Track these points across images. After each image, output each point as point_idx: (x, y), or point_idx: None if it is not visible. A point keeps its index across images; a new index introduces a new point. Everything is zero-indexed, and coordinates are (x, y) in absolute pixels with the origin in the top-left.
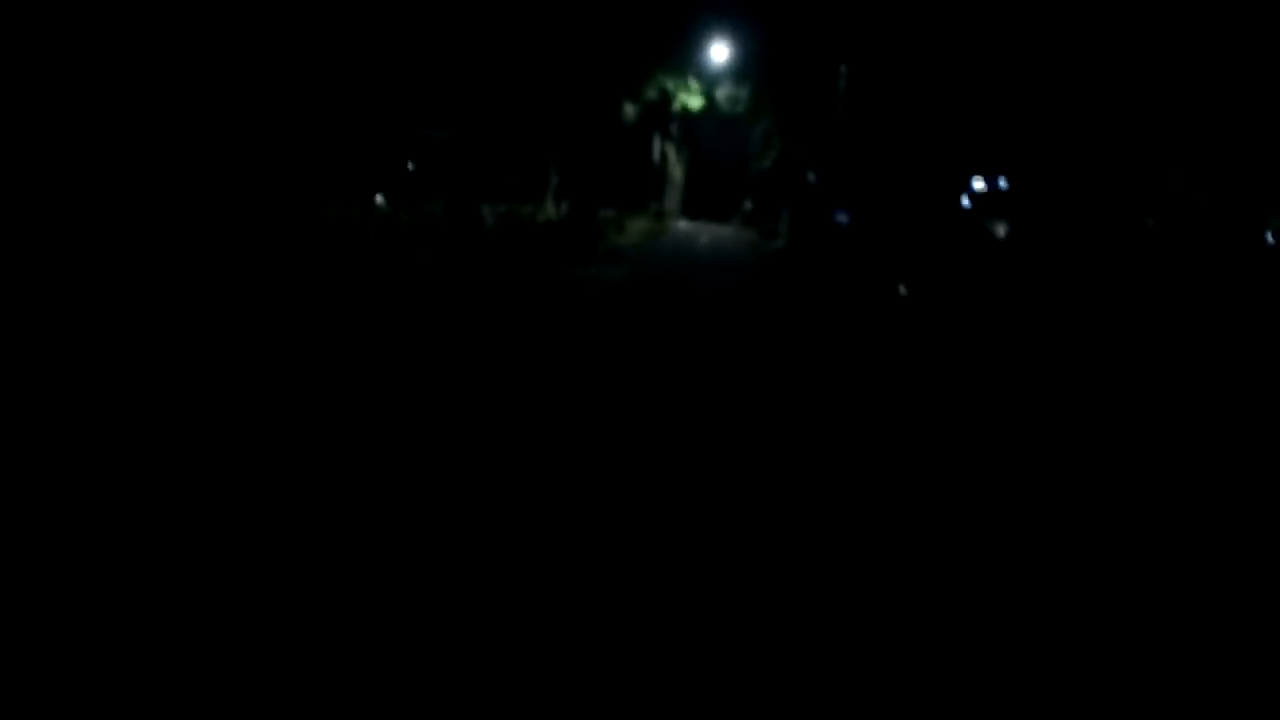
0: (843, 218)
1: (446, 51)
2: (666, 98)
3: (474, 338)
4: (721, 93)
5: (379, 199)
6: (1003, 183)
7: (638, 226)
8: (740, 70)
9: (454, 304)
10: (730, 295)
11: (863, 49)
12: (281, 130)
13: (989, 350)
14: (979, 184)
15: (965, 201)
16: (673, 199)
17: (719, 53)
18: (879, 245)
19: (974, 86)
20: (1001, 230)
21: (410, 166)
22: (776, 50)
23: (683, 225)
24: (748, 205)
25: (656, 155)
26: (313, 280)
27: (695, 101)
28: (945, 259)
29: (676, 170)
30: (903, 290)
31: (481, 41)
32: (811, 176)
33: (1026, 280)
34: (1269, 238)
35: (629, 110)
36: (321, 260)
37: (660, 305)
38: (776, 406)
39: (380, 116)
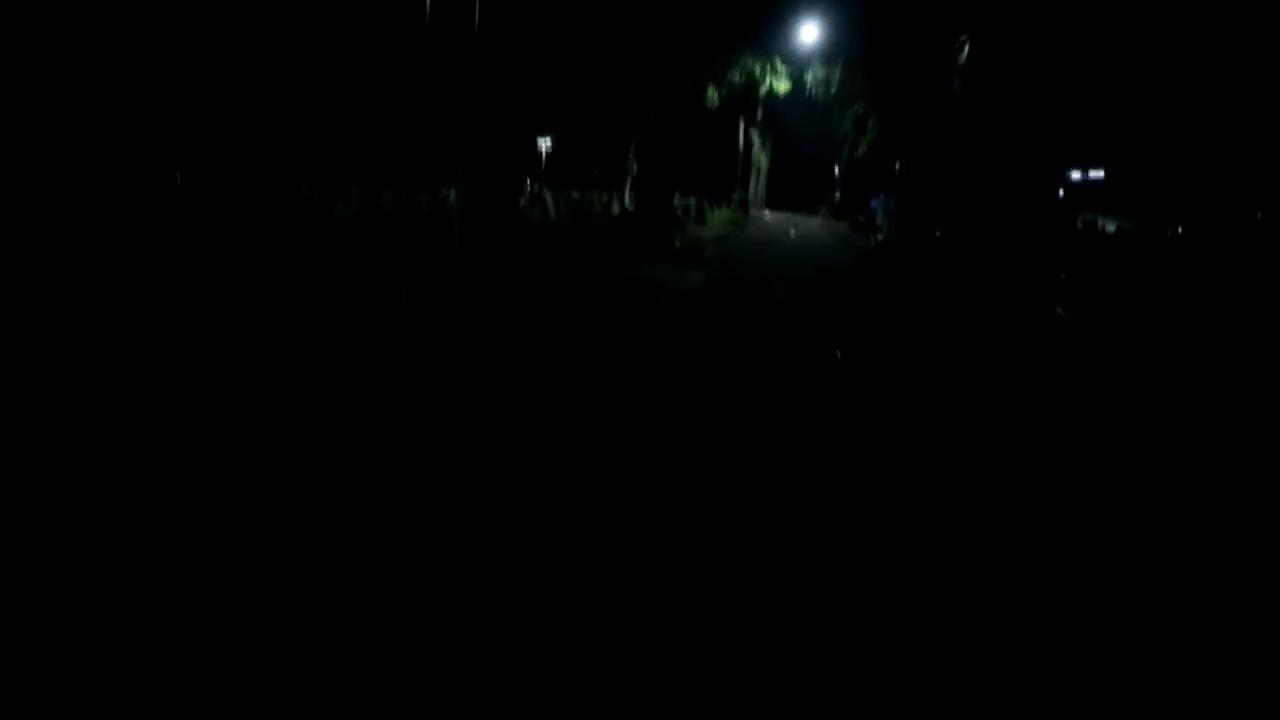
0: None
1: (526, 34)
2: (752, 82)
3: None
4: (810, 76)
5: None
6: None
7: (720, 217)
8: (832, 51)
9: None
10: (836, 321)
11: (993, 16)
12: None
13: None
14: (1074, 175)
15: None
16: (757, 188)
17: (809, 33)
18: (1017, 251)
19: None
20: (1113, 227)
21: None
22: (877, 26)
23: (768, 216)
24: (837, 196)
25: (741, 142)
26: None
27: (782, 85)
28: (1106, 269)
29: (762, 158)
30: (1061, 311)
31: (557, 21)
32: (898, 165)
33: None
34: None
35: (712, 94)
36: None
37: (740, 342)
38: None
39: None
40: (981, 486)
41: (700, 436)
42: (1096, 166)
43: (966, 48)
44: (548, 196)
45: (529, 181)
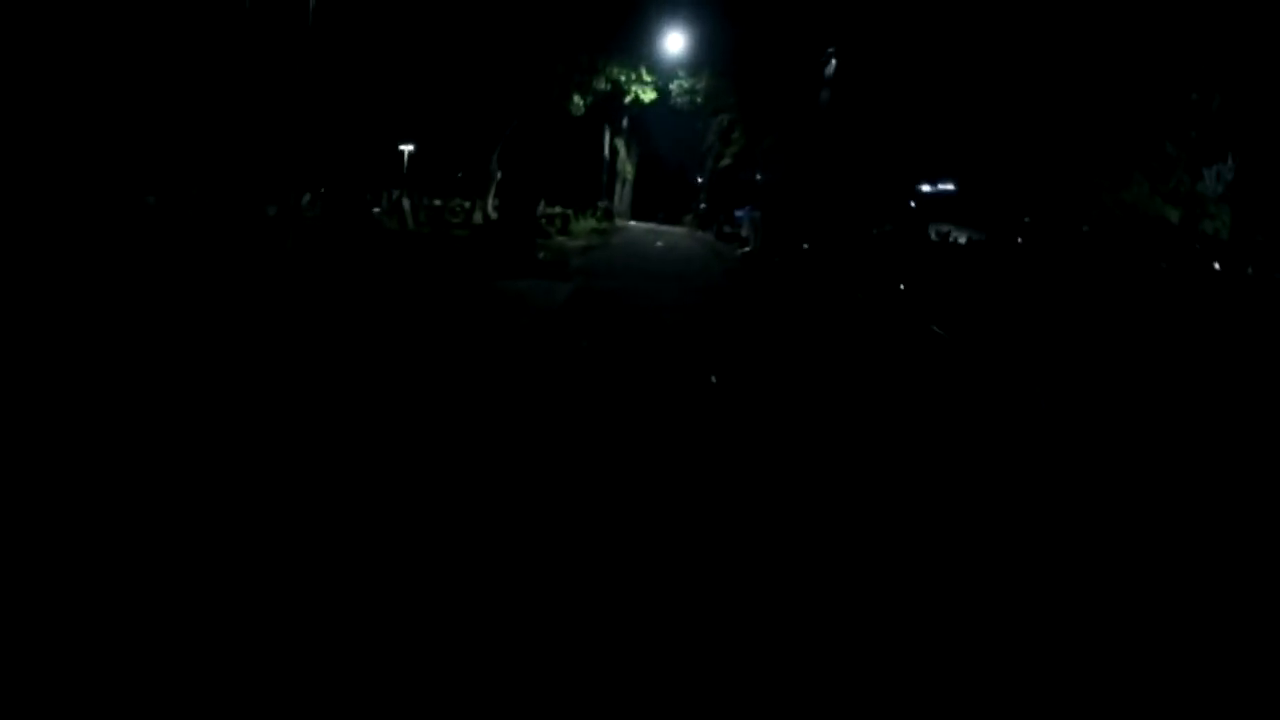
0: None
1: (385, 37)
2: (618, 90)
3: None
4: (676, 85)
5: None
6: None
7: (585, 227)
8: (697, 61)
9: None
10: (708, 338)
11: (858, 30)
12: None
13: None
14: (925, 187)
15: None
16: (623, 197)
17: (675, 42)
18: (881, 263)
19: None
20: (962, 238)
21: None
22: (744, 38)
23: (633, 226)
24: (702, 205)
25: (606, 151)
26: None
27: (648, 94)
28: (968, 281)
29: (627, 167)
30: (937, 330)
31: (424, 26)
32: (761, 176)
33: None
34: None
35: (578, 102)
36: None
37: (608, 365)
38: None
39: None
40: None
41: (556, 480)
42: (946, 178)
43: (833, 61)
44: (405, 204)
45: (389, 189)
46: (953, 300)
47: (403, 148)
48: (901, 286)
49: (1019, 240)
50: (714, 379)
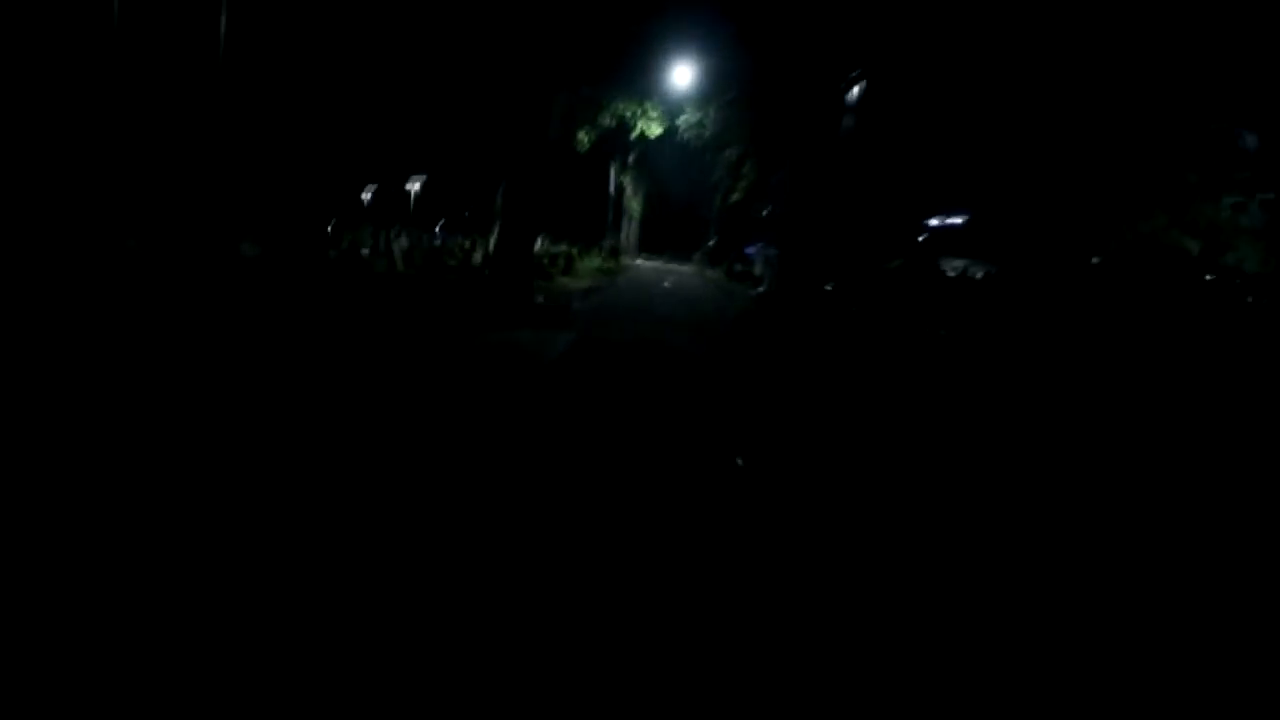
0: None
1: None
2: (624, 125)
3: None
4: (683, 119)
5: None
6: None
7: (590, 266)
8: (705, 93)
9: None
10: (729, 403)
11: (890, 53)
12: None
13: None
14: (933, 220)
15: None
16: (630, 235)
17: (682, 75)
18: (913, 307)
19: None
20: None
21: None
22: (755, 67)
23: (641, 263)
24: (711, 242)
25: (612, 187)
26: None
27: (655, 128)
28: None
29: (634, 204)
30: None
31: (424, 61)
32: (769, 210)
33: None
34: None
35: (583, 137)
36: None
37: (605, 445)
38: None
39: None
40: None
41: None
42: (956, 211)
43: (860, 85)
44: (397, 245)
45: (387, 229)
46: (987, 342)
47: (408, 186)
48: (940, 332)
49: (1030, 274)
50: (739, 461)
